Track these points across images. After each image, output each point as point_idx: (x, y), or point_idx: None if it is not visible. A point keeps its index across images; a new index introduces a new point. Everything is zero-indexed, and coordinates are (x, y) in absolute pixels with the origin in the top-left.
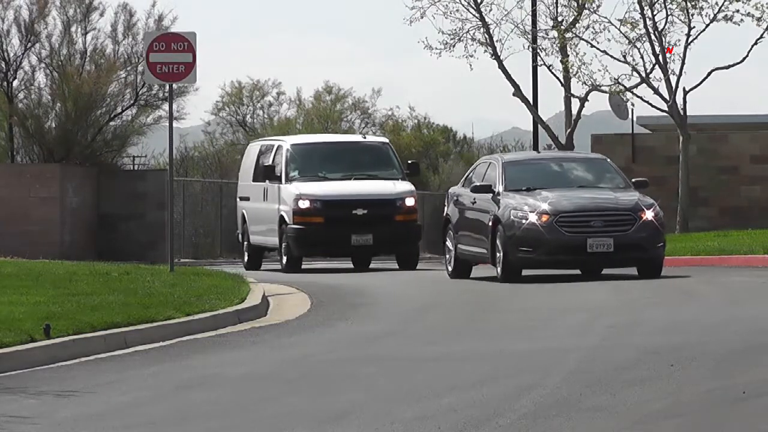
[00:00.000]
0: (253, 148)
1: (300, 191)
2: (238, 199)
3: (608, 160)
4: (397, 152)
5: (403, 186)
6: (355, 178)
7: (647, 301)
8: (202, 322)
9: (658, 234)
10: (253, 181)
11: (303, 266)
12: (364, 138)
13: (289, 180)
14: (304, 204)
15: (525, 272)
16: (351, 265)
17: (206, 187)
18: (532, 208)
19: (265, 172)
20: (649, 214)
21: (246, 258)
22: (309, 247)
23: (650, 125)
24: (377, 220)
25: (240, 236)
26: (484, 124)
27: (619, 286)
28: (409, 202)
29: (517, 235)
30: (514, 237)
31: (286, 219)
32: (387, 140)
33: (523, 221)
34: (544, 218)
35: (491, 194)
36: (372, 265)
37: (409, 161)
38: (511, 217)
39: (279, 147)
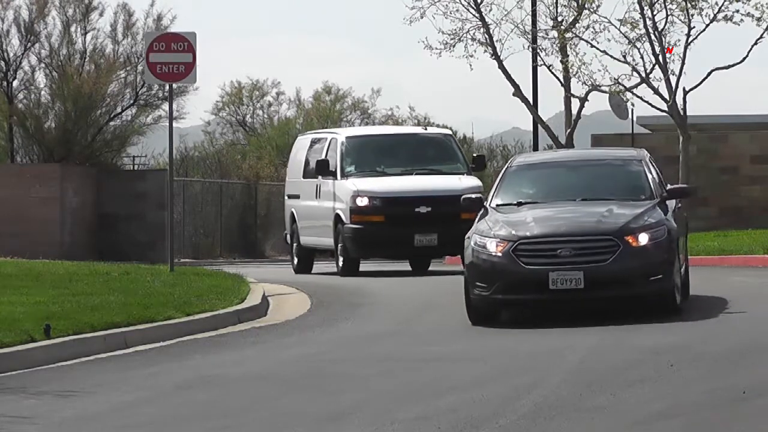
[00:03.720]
0: (302, 142)
1: (357, 188)
2: (286, 197)
3: (644, 161)
4: None
5: (469, 181)
6: (417, 173)
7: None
8: (202, 322)
9: (653, 264)
10: (304, 177)
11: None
12: (425, 129)
13: (344, 175)
14: (363, 201)
15: None
16: (409, 268)
17: (206, 187)
18: (492, 234)
19: (317, 168)
20: (642, 238)
21: (296, 261)
22: (368, 249)
23: (650, 125)
24: (442, 219)
25: (288, 237)
26: (484, 124)
27: None
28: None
29: (475, 267)
30: (473, 270)
31: (343, 218)
32: (450, 132)
33: (482, 250)
34: (500, 247)
35: (483, 211)
36: (431, 267)
37: (475, 154)
38: (474, 244)
39: (332, 140)
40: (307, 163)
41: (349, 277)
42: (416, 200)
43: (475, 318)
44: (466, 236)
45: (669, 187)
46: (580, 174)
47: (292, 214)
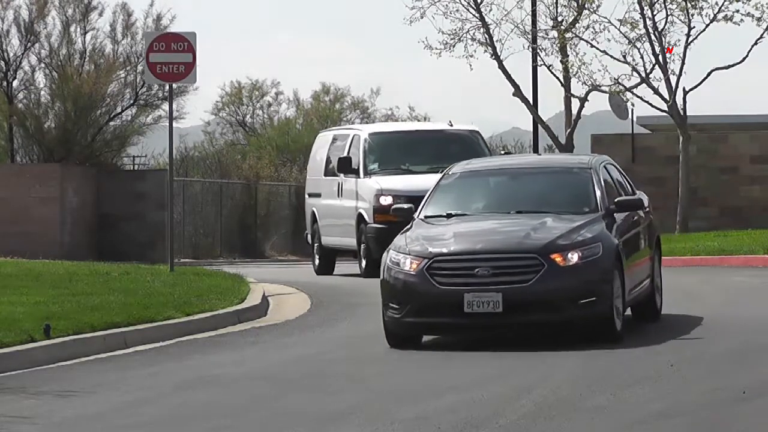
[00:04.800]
0: (324, 139)
1: (381, 186)
2: (306, 196)
3: (594, 169)
4: None
5: None
6: (441, 171)
7: None
8: (202, 322)
9: (584, 286)
10: (325, 175)
11: None
12: (451, 125)
13: (368, 173)
14: (387, 200)
15: None
16: None
17: (206, 187)
18: (407, 249)
19: (339, 165)
20: (571, 257)
21: (317, 261)
22: None
23: (650, 125)
24: None
25: (309, 237)
26: (484, 124)
27: None
28: None
29: (388, 286)
30: (386, 289)
31: (366, 217)
32: (476, 128)
33: (396, 267)
34: (414, 264)
35: (410, 221)
36: None
37: (503, 151)
38: (389, 261)
39: (355, 136)
40: (328, 160)
41: (373, 278)
42: None
43: (394, 341)
44: (386, 251)
45: (617, 198)
46: (521, 183)
47: (313, 213)
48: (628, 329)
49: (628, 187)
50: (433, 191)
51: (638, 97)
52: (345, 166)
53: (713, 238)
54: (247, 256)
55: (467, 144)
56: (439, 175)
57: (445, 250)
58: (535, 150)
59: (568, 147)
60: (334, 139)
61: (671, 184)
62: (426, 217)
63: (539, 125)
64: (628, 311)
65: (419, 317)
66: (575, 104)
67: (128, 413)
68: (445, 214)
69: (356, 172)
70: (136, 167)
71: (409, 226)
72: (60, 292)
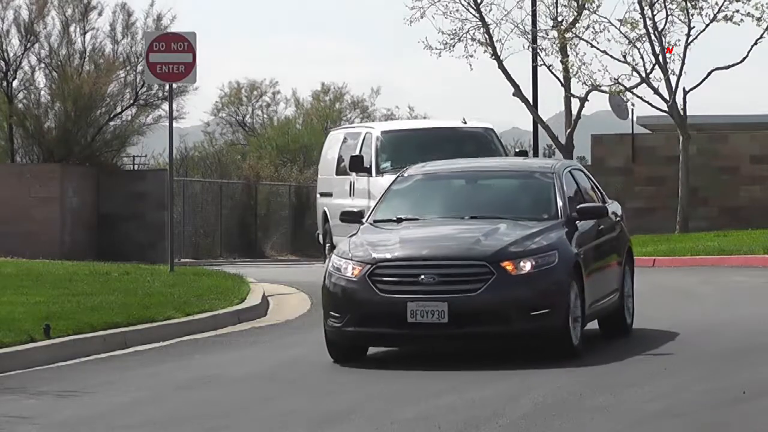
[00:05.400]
0: (336, 137)
1: None
2: (318, 195)
3: (557, 174)
4: None
5: None
6: None
7: (646, 301)
8: (202, 322)
9: (537, 296)
10: (337, 174)
11: None
12: (465, 123)
13: (380, 172)
14: None
15: None
16: None
17: (206, 187)
18: (351, 255)
19: (351, 164)
20: (523, 265)
21: (327, 262)
22: None
23: (650, 125)
24: None
25: (321, 237)
26: None
27: None
28: None
29: (329, 293)
30: (327, 297)
31: None
32: (491, 126)
33: (338, 274)
34: (356, 271)
35: (358, 225)
36: None
37: (517, 149)
38: (331, 266)
39: (367, 135)
40: (340, 159)
41: None
42: None
43: (336, 353)
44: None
45: (579, 205)
46: (478, 187)
47: (325, 212)
48: (591, 344)
49: (597, 194)
50: (385, 194)
51: (638, 97)
52: (357, 165)
53: (713, 238)
54: (247, 256)
55: (481, 142)
56: None
57: (388, 256)
58: (535, 150)
59: (568, 147)
60: (346, 137)
61: (671, 184)
62: (375, 221)
63: (539, 125)
64: (595, 326)
65: (360, 327)
66: (575, 104)
67: (128, 413)
68: (395, 218)
69: (368, 171)
70: (136, 167)
71: (355, 231)
72: (60, 292)
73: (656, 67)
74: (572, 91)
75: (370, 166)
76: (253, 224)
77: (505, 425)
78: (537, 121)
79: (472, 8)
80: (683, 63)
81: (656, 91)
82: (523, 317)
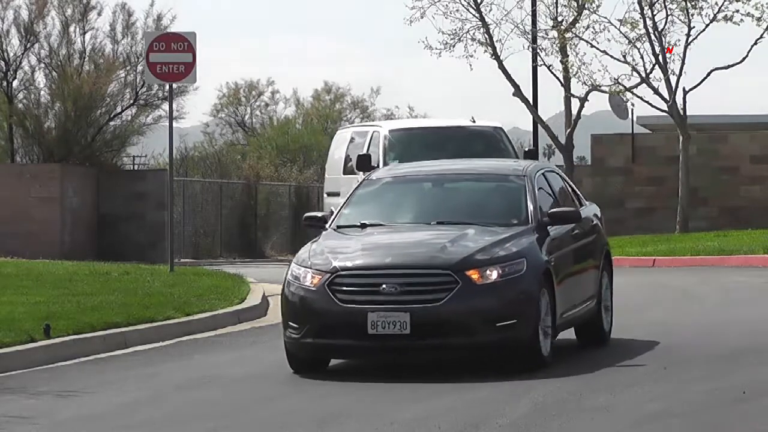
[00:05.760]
0: (343, 136)
1: None
2: (325, 195)
3: (529, 177)
4: None
5: None
6: None
7: (646, 301)
8: (202, 322)
9: (503, 306)
10: (344, 173)
11: None
12: (473, 122)
13: None
14: None
15: None
16: None
17: (206, 187)
18: (310, 263)
19: (358, 163)
20: (490, 274)
21: None
22: None
23: (650, 125)
24: None
25: None
26: None
27: (617, 287)
28: None
29: (288, 303)
30: (286, 307)
31: None
32: (500, 125)
33: (296, 283)
34: (316, 279)
35: (322, 230)
36: None
37: (526, 148)
38: (290, 275)
39: (375, 133)
40: (347, 159)
41: None
42: None
43: (295, 365)
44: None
45: (551, 210)
46: (446, 191)
47: (332, 213)
48: (565, 354)
49: (573, 197)
50: (350, 198)
51: (638, 97)
52: (364, 164)
53: (713, 238)
54: (247, 256)
55: (490, 141)
56: None
57: (349, 264)
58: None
59: (568, 147)
60: (353, 136)
61: (671, 184)
62: (339, 227)
63: (539, 125)
64: (572, 334)
65: (319, 338)
66: (575, 104)
67: (128, 413)
68: (359, 223)
69: (376, 171)
70: (136, 167)
71: (317, 237)
72: (60, 292)
73: (656, 67)
74: (572, 91)
75: (378, 165)
76: (253, 224)
77: (505, 425)
78: (537, 121)
79: (472, 8)
80: (683, 63)
81: (656, 91)
82: (488, 328)
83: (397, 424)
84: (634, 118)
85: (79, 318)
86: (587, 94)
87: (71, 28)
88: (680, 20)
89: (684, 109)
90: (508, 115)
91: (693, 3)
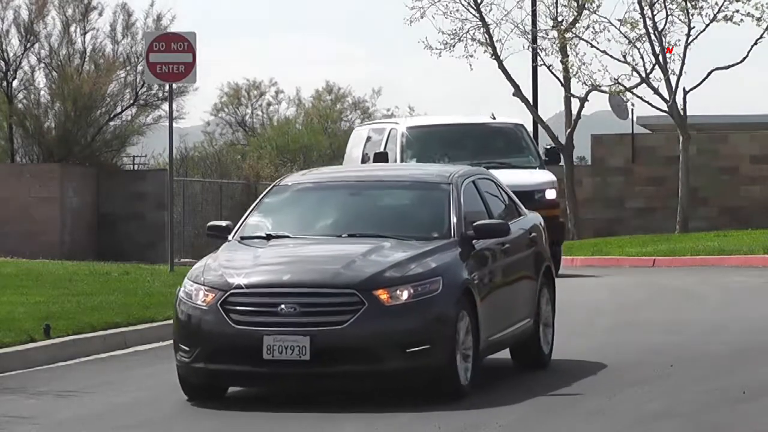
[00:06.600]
0: (361, 133)
1: None
2: None
3: (455, 186)
4: None
5: (542, 175)
6: (484, 167)
7: (647, 301)
8: None
9: (415, 330)
10: None
11: None
12: (494, 119)
13: None
14: None
15: None
16: None
17: (206, 187)
18: (203, 279)
19: (375, 160)
20: (399, 294)
21: None
22: None
23: (650, 125)
24: None
25: None
26: None
27: (617, 287)
28: (550, 194)
29: (179, 323)
30: (177, 327)
31: None
32: (521, 121)
33: (188, 301)
34: (208, 298)
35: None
36: None
37: (548, 146)
38: (182, 293)
39: (392, 131)
40: (365, 157)
41: None
42: None
43: (189, 391)
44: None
45: (476, 222)
46: (362, 201)
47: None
48: (494, 379)
49: (510, 207)
50: (256, 207)
51: (638, 97)
52: (382, 162)
53: (713, 238)
54: None
55: (510, 138)
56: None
57: (244, 281)
58: None
59: (568, 147)
60: (370, 134)
61: (671, 184)
62: (242, 238)
63: (539, 125)
64: (506, 356)
65: (211, 363)
66: (575, 104)
67: (128, 413)
68: (265, 234)
69: None
70: (136, 167)
71: (215, 249)
72: (60, 292)
73: (656, 67)
74: (572, 91)
75: (396, 162)
76: None
77: (505, 425)
78: (537, 121)
79: (472, 8)
80: (683, 63)
81: (656, 91)
82: (398, 354)
83: (397, 424)
84: (634, 118)
85: (79, 318)
86: (587, 94)
87: (72, 28)
88: (680, 20)
89: (684, 109)
90: (508, 115)
91: (693, 3)
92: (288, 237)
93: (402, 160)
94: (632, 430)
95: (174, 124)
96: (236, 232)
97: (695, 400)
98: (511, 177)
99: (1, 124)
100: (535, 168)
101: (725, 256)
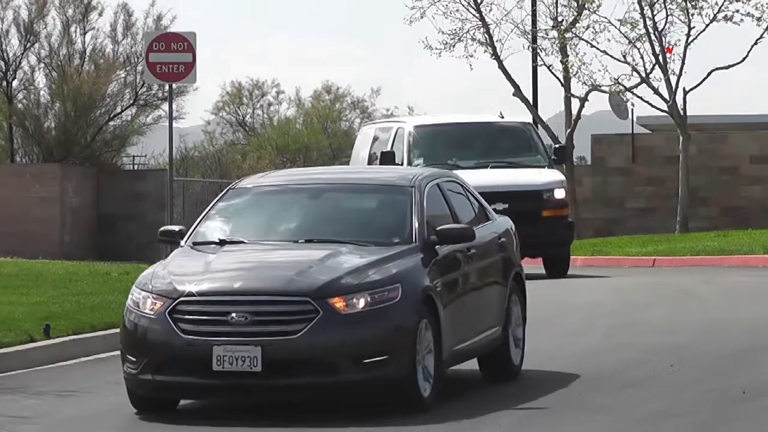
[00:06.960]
0: (368, 132)
1: None
2: None
3: (418, 189)
4: None
5: (551, 175)
6: (492, 166)
7: (647, 301)
8: None
9: (372, 340)
10: None
11: None
12: (502, 117)
13: None
14: None
15: None
16: None
17: (206, 187)
18: (151, 286)
19: (382, 160)
20: (356, 302)
21: None
22: None
23: (650, 125)
24: (521, 217)
25: None
26: None
27: (617, 287)
28: (559, 194)
29: (127, 333)
30: (124, 337)
31: None
32: (529, 120)
33: (136, 309)
34: (156, 306)
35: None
36: None
37: (556, 145)
38: (130, 301)
39: (399, 129)
40: (372, 157)
41: None
42: (492, 196)
43: (137, 403)
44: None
45: (439, 227)
46: (320, 204)
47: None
48: (459, 390)
49: (478, 211)
50: (210, 210)
51: (638, 97)
52: (388, 162)
53: (713, 238)
54: None
55: (519, 137)
56: (489, 171)
57: (193, 289)
58: None
59: (568, 147)
60: (377, 134)
61: (671, 184)
62: (195, 243)
63: (539, 125)
64: (474, 366)
65: (159, 375)
66: (575, 104)
67: (128, 413)
68: (218, 240)
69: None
70: (136, 167)
71: (166, 256)
72: (60, 292)
73: (656, 67)
74: (572, 91)
75: (402, 162)
76: None
77: (505, 425)
78: (537, 121)
79: (472, 8)
80: (683, 63)
81: (656, 91)
82: (354, 365)
83: (396, 423)
84: (634, 118)
85: (79, 318)
86: (587, 94)
87: (72, 28)
88: (680, 20)
89: (684, 109)
90: (508, 115)
91: (693, 3)
92: (243, 242)
93: (409, 160)
94: (633, 429)
95: (174, 124)
96: (189, 237)
97: (695, 400)
98: (519, 176)
99: (1, 124)
100: (543, 167)
101: (725, 256)
